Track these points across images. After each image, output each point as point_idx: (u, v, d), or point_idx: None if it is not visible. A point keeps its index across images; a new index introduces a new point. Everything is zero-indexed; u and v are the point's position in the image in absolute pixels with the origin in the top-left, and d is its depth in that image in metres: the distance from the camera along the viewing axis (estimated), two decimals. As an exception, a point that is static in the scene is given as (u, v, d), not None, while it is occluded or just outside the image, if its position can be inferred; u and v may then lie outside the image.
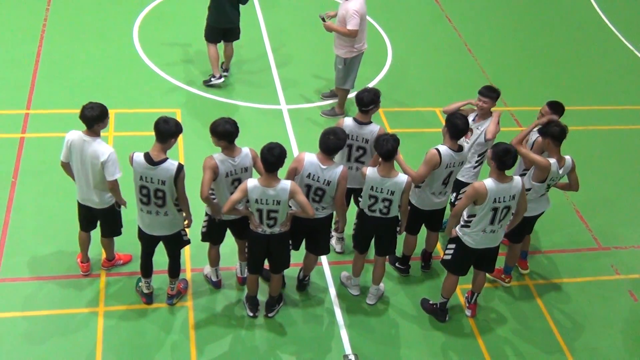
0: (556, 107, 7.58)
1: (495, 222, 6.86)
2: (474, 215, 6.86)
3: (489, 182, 6.67)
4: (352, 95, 10.28)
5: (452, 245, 7.22)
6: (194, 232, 7.34)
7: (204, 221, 7.17)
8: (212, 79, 10.57)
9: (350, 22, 9.31)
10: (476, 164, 7.89)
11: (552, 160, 7.15)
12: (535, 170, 7.23)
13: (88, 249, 7.48)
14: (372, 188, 6.88)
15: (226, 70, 10.91)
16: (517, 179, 6.82)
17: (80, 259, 7.53)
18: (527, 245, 8.18)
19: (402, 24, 13.18)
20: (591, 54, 13.27)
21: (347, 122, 7.42)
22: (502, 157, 6.56)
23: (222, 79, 10.64)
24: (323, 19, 9.63)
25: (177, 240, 7.02)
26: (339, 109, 10.30)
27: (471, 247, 7.04)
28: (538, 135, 7.44)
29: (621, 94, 12.14)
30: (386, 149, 6.67)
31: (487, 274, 7.93)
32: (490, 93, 7.67)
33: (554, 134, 7.12)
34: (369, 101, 7.36)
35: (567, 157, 7.30)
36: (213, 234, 7.23)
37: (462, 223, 7.02)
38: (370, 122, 7.46)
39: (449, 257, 7.28)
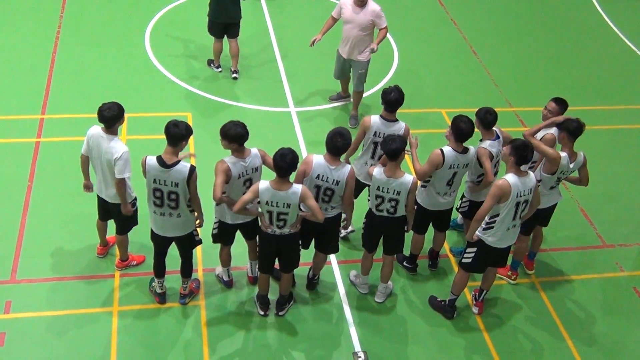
0: (561, 103, 7.74)
1: (517, 217, 6.96)
2: (496, 215, 6.93)
3: (510, 178, 6.75)
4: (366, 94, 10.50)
5: (473, 249, 7.24)
6: (206, 232, 7.48)
7: (215, 223, 7.29)
8: (211, 64, 11.25)
9: (383, 20, 9.57)
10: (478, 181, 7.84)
11: (563, 154, 7.27)
12: (546, 162, 7.34)
13: (105, 234, 7.76)
14: (378, 188, 6.99)
15: (235, 72, 11.08)
16: (531, 173, 6.94)
17: (99, 245, 7.85)
18: (537, 246, 8.26)
19: (408, 27, 13.27)
20: (594, 55, 13.33)
21: (374, 120, 7.60)
22: (522, 152, 6.67)
23: (220, 69, 11.21)
24: (374, 50, 9.60)
25: (190, 240, 7.15)
26: (356, 111, 10.40)
27: (494, 247, 7.11)
28: (547, 132, 7.53)
29: (624, 94, 12.19)
30: (391, 149, 6.77)
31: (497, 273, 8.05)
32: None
33: (570, 128, 7.26)
34: (399, 100, 7.56)
35: (580, 153, 7.42)
36: (224, 235, 7.35)
37: (483, 226, 7.07)
38: (397, 120, 7.64)
39: (469, 259, 7.31)
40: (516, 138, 6.90)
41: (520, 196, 6.81)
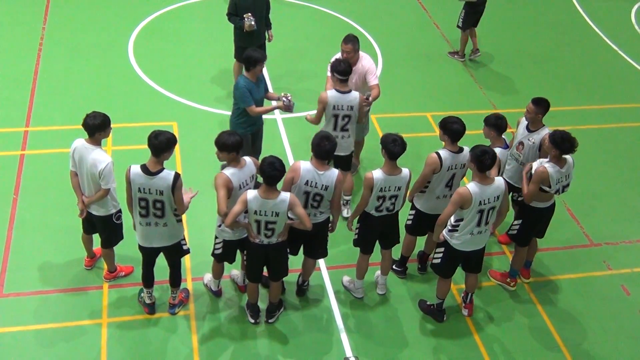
0: (537, 103, 7.84)
1: (482, 223, 7.00)
2: (461, 219, 6.99)
3: (472, 186, 6.79)
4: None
5: (441, 249, 7.33)
6: (194, 242, 7.45)
7: (217, 243, 7.23)
8: None
9: (373, 77, 8.62)
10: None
11: (546, 164, 7.22)
12: (543, 182, 7.30)
13: (91, 247, 7.72)
14: (381, 189, 7.01)
15: None
16: (500, 179, 6.97)
17: (86, 257, 7.80)
18: (532, 254, 8.26)
19: (391, 32, 13.34)
20: (576, 55, 13.45)
21: (331, 94, 7.91)
22: (481, 158, 6.70)
23: None
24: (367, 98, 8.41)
25: (177, 250, 7.11)
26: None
27: (459, 250, 7.17)
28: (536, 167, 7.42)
29: (606, 93, 12.30)
30: (395, 151, 6.88)
31: (494, 279, 8.25)
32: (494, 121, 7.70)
33: (554, 140, 7.22)
34: (346, 71, 7.92)
35: (567, 156, 7.38)
36: (228, 254, 7.29)
37: (449, 227, 7.14)
38: (351, 90, 7.96)
39: (438, 260, 7.39)
40: (476, 145, 6.91)
41: (484, 204, 6.85)
